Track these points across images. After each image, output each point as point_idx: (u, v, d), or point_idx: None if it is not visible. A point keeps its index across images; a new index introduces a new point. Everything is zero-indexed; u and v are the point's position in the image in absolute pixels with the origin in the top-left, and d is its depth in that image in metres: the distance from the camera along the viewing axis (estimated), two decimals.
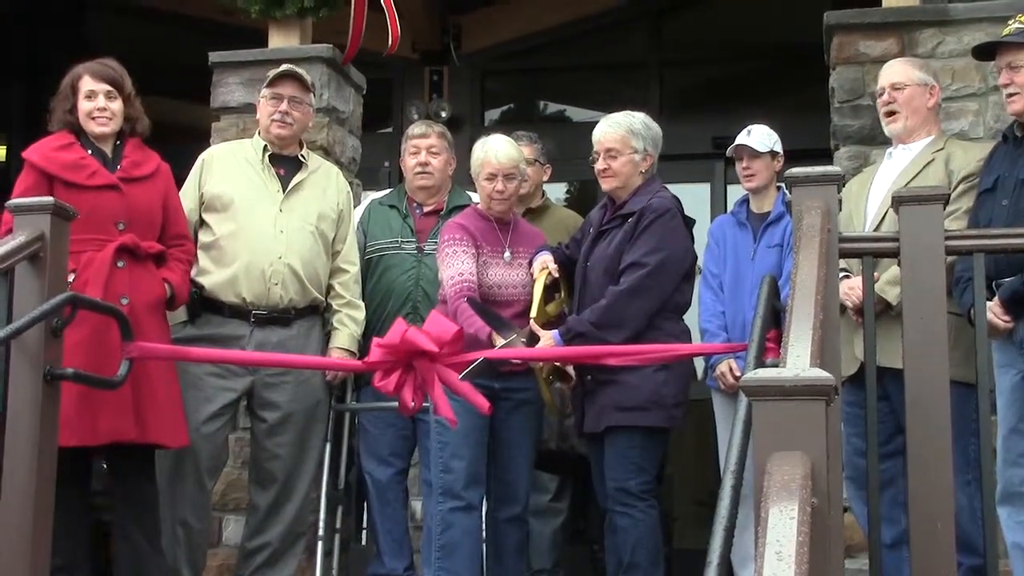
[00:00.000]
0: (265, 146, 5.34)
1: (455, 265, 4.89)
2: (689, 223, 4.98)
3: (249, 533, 5.31)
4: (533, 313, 4.86)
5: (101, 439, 4.55)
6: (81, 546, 4.80)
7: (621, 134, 4.97)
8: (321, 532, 5.50)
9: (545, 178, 6.10)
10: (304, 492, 5.33)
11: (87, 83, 4.82)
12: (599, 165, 5.00)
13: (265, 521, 5.26)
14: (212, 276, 5.18)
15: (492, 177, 5.01)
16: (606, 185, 5.01)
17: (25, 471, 4.07)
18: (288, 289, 5.19)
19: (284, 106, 5.31)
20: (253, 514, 5.31)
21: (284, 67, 5.40)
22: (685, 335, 4.92)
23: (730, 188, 5.59)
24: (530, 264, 5.05)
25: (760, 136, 5.40)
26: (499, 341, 4.66)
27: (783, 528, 2.12)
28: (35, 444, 4.07)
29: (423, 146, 5.63)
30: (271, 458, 5.25)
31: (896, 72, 4.88)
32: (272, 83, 5.36)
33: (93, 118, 4.81)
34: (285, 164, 5.36)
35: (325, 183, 5.41)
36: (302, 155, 5.42)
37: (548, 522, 5.97)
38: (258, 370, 5.18)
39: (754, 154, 5.39)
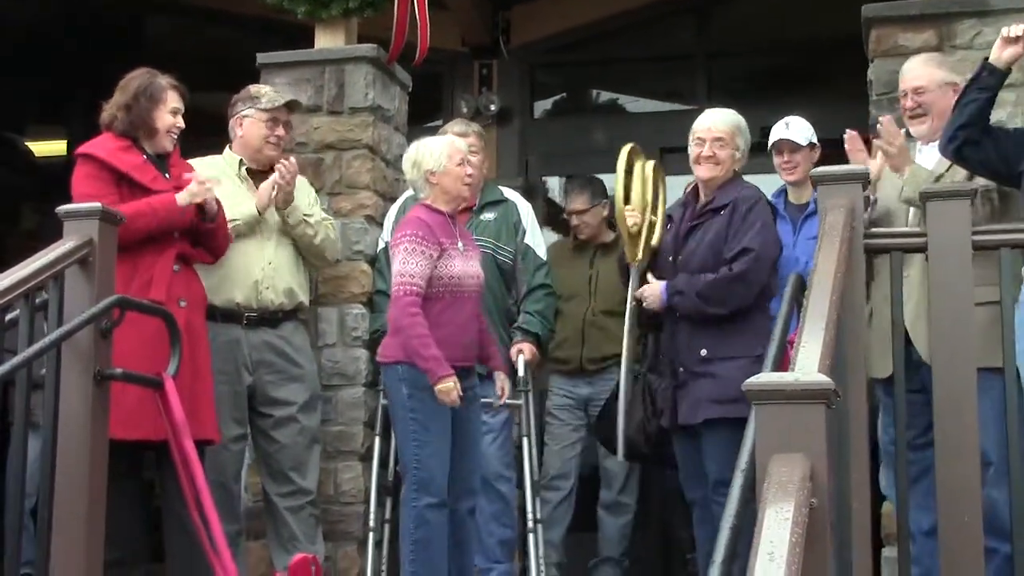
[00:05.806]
0: (240, 161, 5.51)
1: (409, 264, 4.86)
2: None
3: (274, 526, 5.49)
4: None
5: (162, 434, 4.63)
6: (138, 539, 4.96)
7: (731, 127, 5.11)
8: (372, 524, 5.64)
9: (604, 213, 6.28)
10: (314, 479, 5.52)
11: (173, 99, 4.96)
12: (705, 151, 5.06)
13: (281, 508, 5.45)
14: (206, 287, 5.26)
15: (463, 162, 5.06)
16: (706, 172, 5.07)
17: (78, 469, 4.22)
18: (278, 292, 5.41)
19: (280, 131, 5.54)
20: (269, 508, 5.51)
21: (290, 98, 5.65)
22: (763, 328, 4.79)
23: (765, 178, 5.59)
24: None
25: (799, 128, 5.42)
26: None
27: (777, 529, 2.18)
28: (87, 443, 4.23)
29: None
30: (280, 449, 5.45)
31: (918, 75, 4.80)
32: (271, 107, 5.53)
33: (169, 132, 4.96)
34: (260, 178, 5.49)
35: (297, 189, 5.54)
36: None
37: (618, 517, 6.29)
38: (256, 370, 5.38)
39: (795, 147, 5.41)
